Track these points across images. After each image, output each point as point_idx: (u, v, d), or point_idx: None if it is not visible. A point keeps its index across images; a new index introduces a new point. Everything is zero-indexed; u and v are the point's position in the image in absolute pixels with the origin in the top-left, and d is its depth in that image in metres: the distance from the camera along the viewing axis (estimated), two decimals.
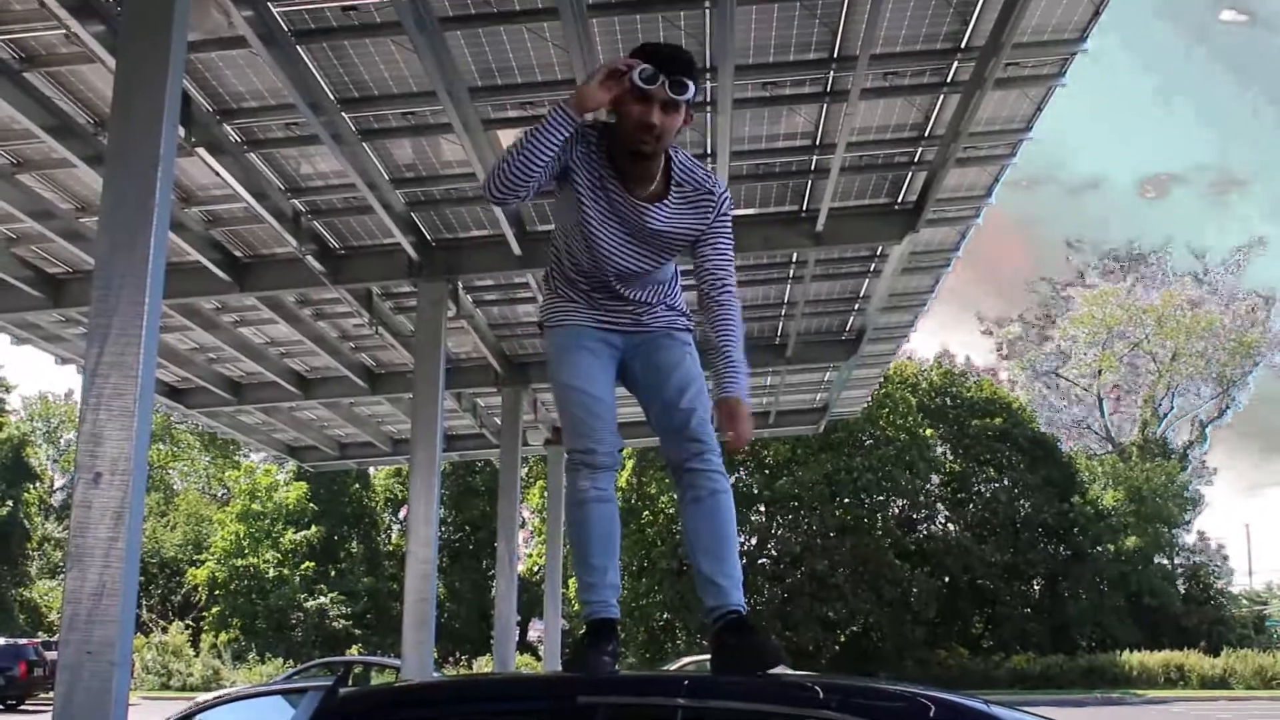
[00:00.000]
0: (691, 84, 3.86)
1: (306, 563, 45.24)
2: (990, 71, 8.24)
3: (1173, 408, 50.10)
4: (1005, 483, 45.72)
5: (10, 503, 48.17)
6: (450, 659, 44.40)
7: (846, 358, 15.60)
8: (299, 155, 9.53)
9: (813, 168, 10.27)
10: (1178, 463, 46.92)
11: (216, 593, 45.09)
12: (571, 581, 40.08)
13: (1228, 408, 50.38)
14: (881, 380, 26.09)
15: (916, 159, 10.25)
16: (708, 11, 7.75)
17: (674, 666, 26.32)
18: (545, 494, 30.24)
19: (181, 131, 7.79)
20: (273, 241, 10.97)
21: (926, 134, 9.76)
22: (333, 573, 46.47)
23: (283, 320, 13.01)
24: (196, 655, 42.94)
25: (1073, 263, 53.97)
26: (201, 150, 8.45)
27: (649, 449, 35.21)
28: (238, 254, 11.31)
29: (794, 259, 12.43)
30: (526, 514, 44.79)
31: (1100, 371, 49.86)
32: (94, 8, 6.72)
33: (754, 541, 43.47)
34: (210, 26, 6.70)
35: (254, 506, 45.74)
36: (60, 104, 8.20)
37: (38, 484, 53.39)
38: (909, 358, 45.63)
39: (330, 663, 26.01)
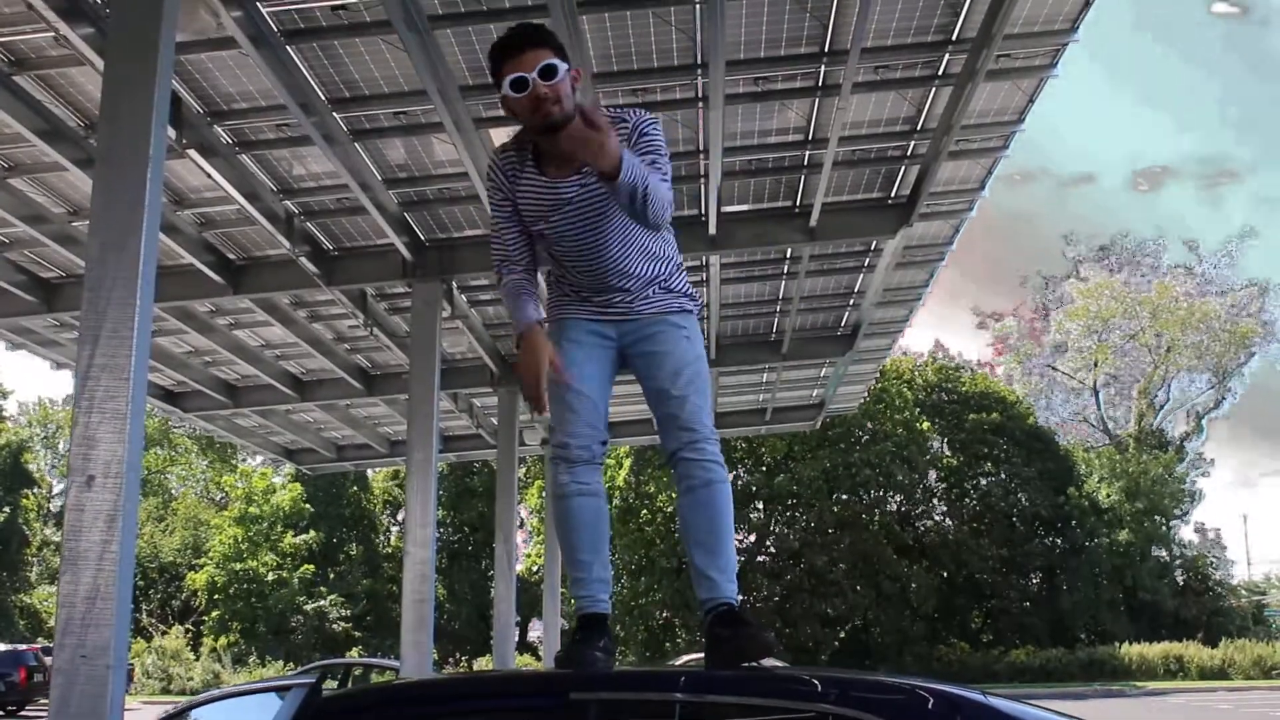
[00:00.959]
0: (553, 59, 3.86)
1: (305, 565, 45.25)
2: (982, 63, 8.23)
3: (1169, 399, 50.17)
4: (1002, 476, 45.75)
5: (8, 508, 48.16)
6: (450, 660, 44.42)
7: (842, 353, 15.59)
8: (291, 156, 9.51)
9: (805, 163, 10.25)
10: (1175, 454, 46.96)
11: (216, 596, 45.09)
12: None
13: (1224, 399, 50.46)
14: (878, 375, 26.09)
15: (909, 153, 10.24)
16: (698, 7, 7.73)
17: (675, 664, 26.32)
18: (543, 494, 30.29)
19: (172, 133, 7.79)
20: (266, 243, 10.95)
21: (919, 127, 9.75)
22: (332, 575, 46.50)
23: (277, 322, 12.99)
24: (196, 659, 42.94)
25: (1068, 255, 54.00)
26: (193, 152, 8.43)
27: (646, 448, 35.24)
28: (231, 256, 11.29)
29: (788, 255, 12.42)
30: (524, 514, 44.85)
31: (1096, 364, 49.86)
32: (82, 10, 6.70)
33: (752, 538, 43.50)
34: (199, 27, 6.69)
35: (251, 510, 45.72)
36: (50, 107, 8.17)
37: (36, 489, 53.38)
38: (904, 352, 45.66)
39: (329, 665, 25.96)
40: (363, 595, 45.81)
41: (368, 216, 10.11)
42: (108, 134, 5.25)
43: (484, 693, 3.74)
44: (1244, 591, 52.06)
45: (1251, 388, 50.38)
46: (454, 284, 11.58)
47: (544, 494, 24.97)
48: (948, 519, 46.18)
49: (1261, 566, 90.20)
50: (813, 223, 10.89)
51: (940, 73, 8.92)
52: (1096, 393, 50.80)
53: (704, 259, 11.74)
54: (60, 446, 58.61)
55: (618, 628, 39.21)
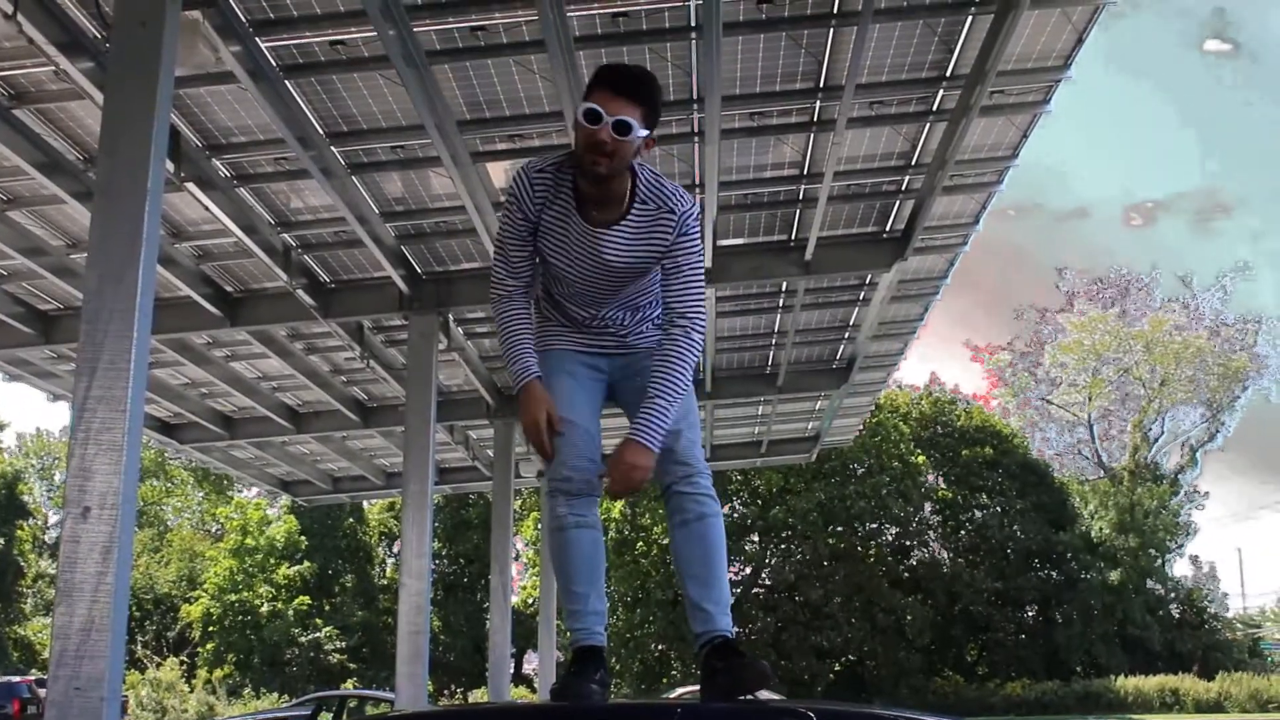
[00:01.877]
0: (634, 120, 3.75)
1: (300, 597, 45.06)
2: (976, 99, 8.28)
3: (1163, 432, 50.13)
4: (997, 509, 45.68)
5: (3, 540, 47.93)
6: (445, 692, 44.20)
7: (837, 386, 15.61)
8: (289, 190, 9.55)
9: (801, 197, 10.30)
10: (1169, 487, 46.89)
11: (211, 628, 44.86)
12: None
13: (1217, 432, 50.40)
14: (873, 408, 26.10)
15: (904, 187, 10.30)
16: (694, 43, 7.79)
17: (671, 697, 26.22)
18: (538, 526, 30.22)
19: (170, 167, 7.83)
20: (263, 276, 10.98)
21: (913, 162, 9.81)
22: (327, 607, 46.28)
23: (274, 354, 13.01)
24: (191, 691, 42.68)
25: (1061, 290, 54.06)
26: (191, 185, 8.46)
27: None
28: (228, 289, 11.31)
29: (783, 288, 12.46)
30: (520, 546, 44.68)
31: (1090, 397, 49.86)
32: (83, 45, 6.74)
33: (748, 570, 43.38)
34: (198, 62, 6.72)
35: (247, 542, 45.56)
36: (50, 140, 8.22)
37: (32, 521, 53.16)
38: (899, 386, 45.65)
39: (324, 697, 25.85)
40: (358, 627, 45.60)
41: (365, 249, 10.14)
42: (107, 167, 5.29)
43: None
44: (1239, 625, 51.89)
45: (1245, 421, 50.35)
46: (450, 317, 11.61)
47: (539, 526, 24.93)
48: (943, 551, 46.07)
49: (1256, 599, 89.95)
50: (808, 256, 10.93)
51: (934, 108, 8.98)
52: (1091, 426, 50.78)
53: None
54: (56, 478, 58.36)
55: (613, 660, 39.08)
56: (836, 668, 41.91)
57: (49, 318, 11.68)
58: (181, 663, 44.63)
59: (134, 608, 44.18)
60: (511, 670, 28.06)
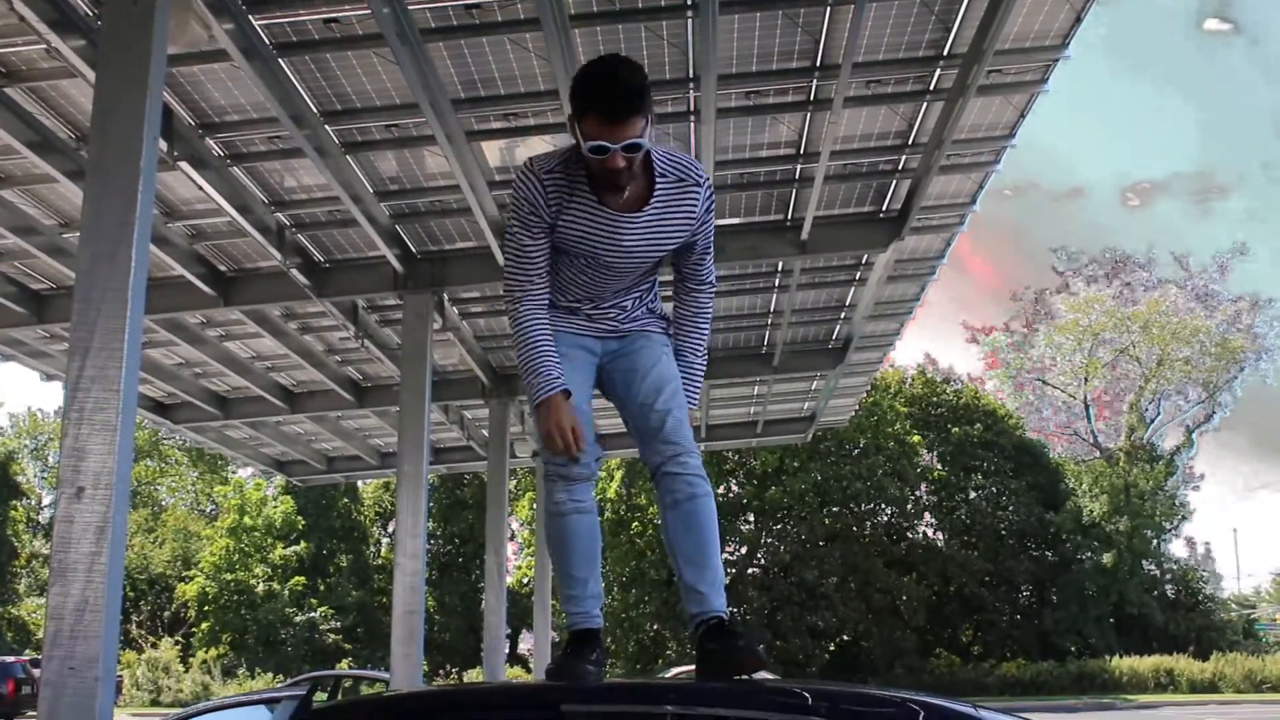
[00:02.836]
0: (641, 136, 3.69)
1: (296, 577, 45.14)
2: (973, 79, 8.25)
3: (1159, 413, 50.18)
4: (992, 490, 45.84)
5: None
6: (440, 672, 44.31)
7: (833, 366, 15.61)
8: (282, 168, 9.51)
9: (797, 176, 10.28)
10: (1164, 468, 46.95)
11: (206, 608, 44.96)
12: None
13: (1214, 413, 50.46)
14: (869, 389, 26.12)
15: (900, 167, 10.27)
16: (690, 21, 7.75)
17: (667, 676, 26.25)
18: (534, 506, 30.27)
19: (163, 145, 7.78)
20: (257, 255, 10.95)
21: (910, 142, 9.78)
22: (322, 587, 46.40)
23: (268, 334, 12.98)
24: (186, 671, 42.78)
25: (1058, 270, 54.05)
26: (184, 164, 8.42)
27: (637, 460, 35.22)
28: (222, 268, 11.28)
29: (779, 268, 12.44)
30: (515, 526, 44.78)
31: (1087, 378, 49.89)
32: (74, 22, 6.70)
33: (743, 550, 43.47)
34: (191, 40, 6.67)
35: (245, 521, 45.61)
36: (41, 119, 8.17)
37: (25, 501, 53.19)
38: (893, 366, 45.72)
39: (319, 676, 25.89)
40: (353, 607, 45.69)
41: (359, 228, 10.11)
42: (99, 146, 5.25)
43: (474, 705, 3.72)
44: (1234, 605, 52.09)
45: (1242, 402, 50.37)
46: (445, 296, 11.58)
47: (534, 506, 24.98)
48: (938, 532, 46.22)
49: (1252, 580, 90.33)
50: (804, 236, 10.90)
51: (932, 88, 8.95)
52: (1087, 406, 50.81)
53: None
54: (50, 458, 58.38)
55: (609, 640, 39.15)
56: (832, 648, 42.08)
57: (42, 297, 11.64)
58: (177, 643, 44.74)
59: (128, 588, 44.25)
60: (507, 650, 28.10)
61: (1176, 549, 47.95)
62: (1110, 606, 43.21)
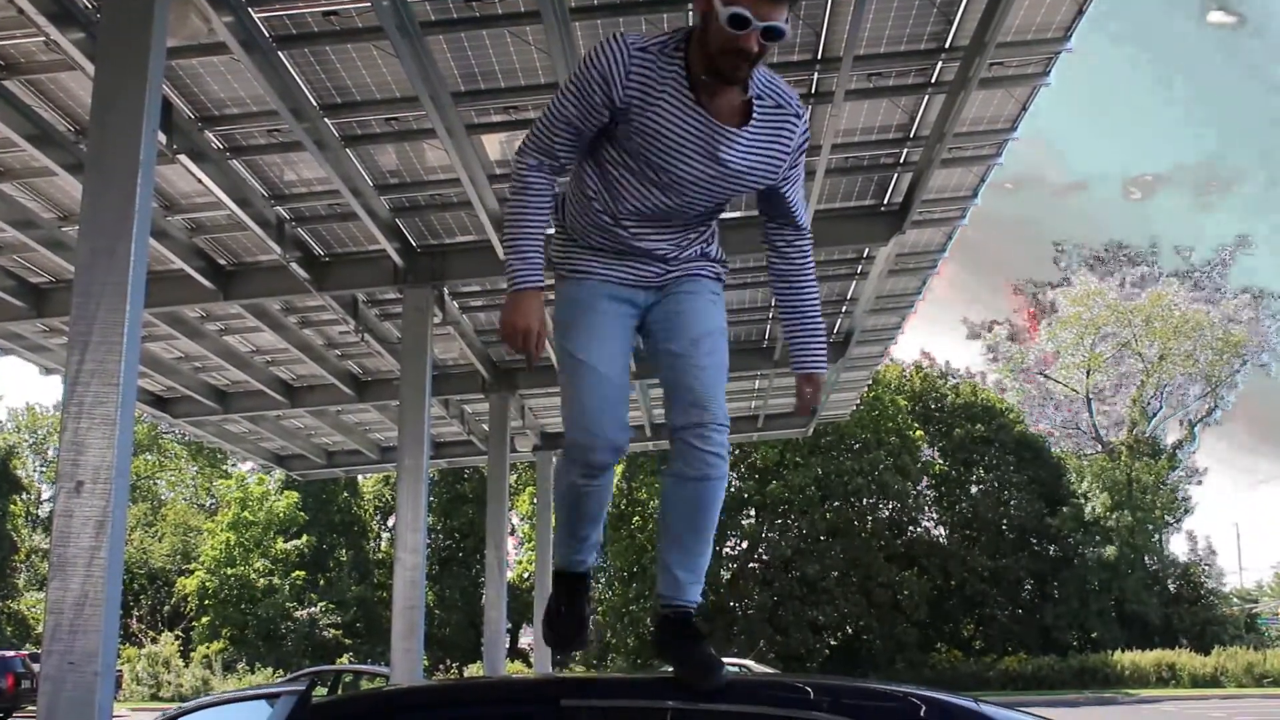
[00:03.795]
0: (785, 23, 3.18)
1: (296, 572, 45.15)
2: (974, 71, 8.23)
3: (1161, 407, 50.13)
4: (994, 485, 45.86)
5: None
6: (440, 667, 44.33)
7: (834, 360, 15.58)
8: (282, 162, 9.49)
9: None
10: (1166, 462, 46.94)
11: (206, 602, 44.94)
12: None
13: (1215, 407, 50.43)
14: (870, 383, 26.11)
15: (902, 160, 10.26)
16: (689, 13, 7.72)
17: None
18: (534, 500, 30.25)
19: (162, 139, 7.77)
20: (257, 249, 10.93)
21: (911, 135, 9.77)
22: (322, 581, 46.41)
23: (268, 328, 12.97)
24: (186, 665, 42.80)
25: (1060, 264, 54.07)
26: (183, 157, 8.41)
27: (639, 453, 35.20)
28: (222, 262, 11.27)
29: None
30: (515, 521, 44.79)
31: (1089, 372, 49.87)
32: (73, 15, 6.68)
33: (744, 545, 43.47)
34: (190, 32, 6.66)
35: (246, 515, 45.62)
36: (40, 112, 8.16)
37: (24, 495, 53.21)
38: (893, 360, 45.71)
39: (319, 671, 25.91)
40: (353, 602, 45.69)
41: (359, 222, 10.10)
42: (98, 139, 5.24)
43: (475, 699, 3.72)
44: (1236, 599, 52.08)
45: (1245, 396, 50.41)
46: (445, 290, 11.57)
47: (535, 501, 24.98)
48: (940, 527, 46.25)
49: (1254, 574, 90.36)
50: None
51: (933, 80, 8.93)
52: (1089, 401, 50.79)
53: None
54: (49, 452, 58.38)
55: (608, 634, 39.19)
56: (833, 643, 42.08)
57: (41, 291, 11.63)
58: (177, 637, 44.76)
59: (128, 582, 44.27)
60: (507, 645, 28.12)
61: (1178, 544, 48.05)
62: (1112, 601, 43.20)
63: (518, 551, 45.31)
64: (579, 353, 3.55)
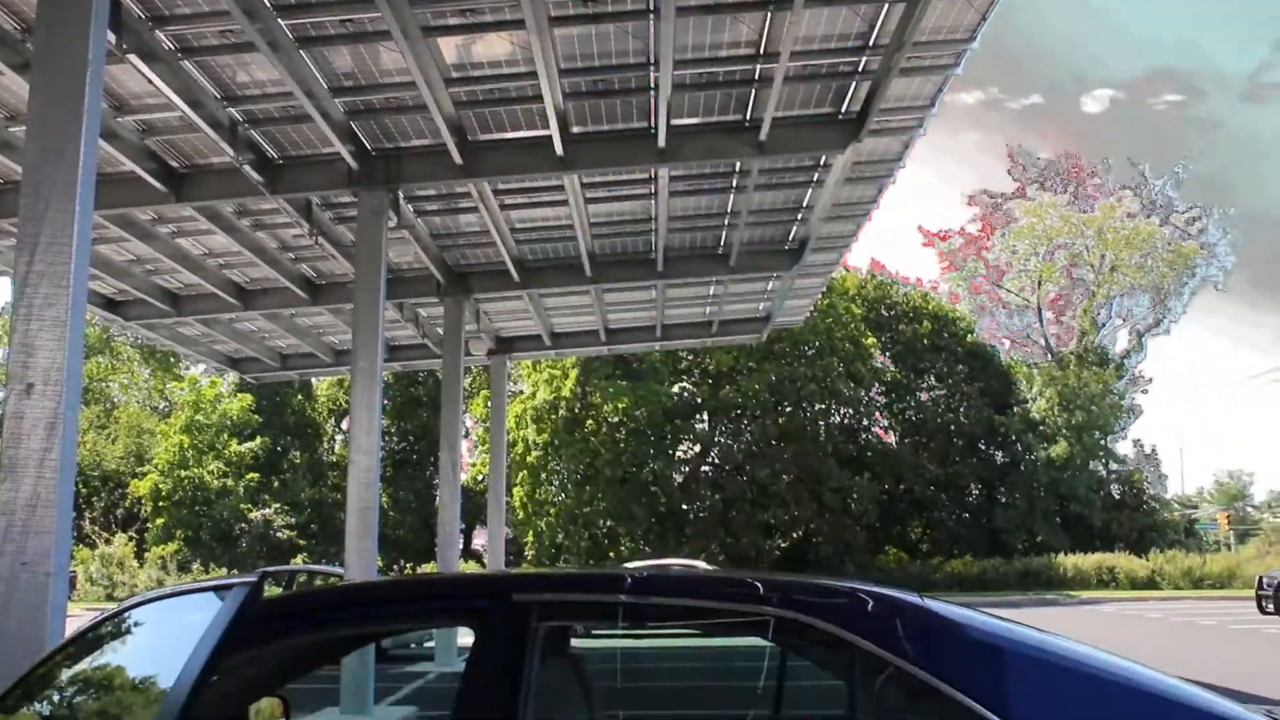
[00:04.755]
0: None
1: (250, 474, 45.14)
2: None
3: (1111, 318, 50.62)
4: (944, 392, 46.30)
5: None
6: (394, 567, 44.59)
7: (789, 267, 15.65)
8: (235, 63, 9.36)
9: (756, 77, 10.21)
10: (1114, 371, 47.50)
11: (160, 504, 44.90)
12: (516, 490, 39.33)
13: (1164, 317, 50.93)
14: (824, 290, 26.21)
15: (860, 69, 10.23)
16: None
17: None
18: (488, 404, 30.30)
19: (112, 38, 7.64)
20: (209, 151, 10.82)
21: (871, 43, 9.74)
22: (276, 484, 46.41)
23: (221, 231, 12.87)
24: (141, 567, 42.86)
25: (1013, 175, 54.13)
26: (133, 57, 8.28)
27: (593, 358, 35.29)
28: (173, 164, 11.14)
29: (737, 168, 12.41)
30: (470, 424, 44.87)
31: (1040, 283, 50.19)
32: None
33: (697, 449, 43.76)
34: None
35: (198, 418, 45.46)
36: None
37: None
38: (847, 269, 45.80)
39: (273, 571, 26.01)
40: (307, 504, 45.79)
41: (313, 125, 10.01)
42: (45, 37, 5.16)
43: (428, 594, 3.75)
44: (1177, 505, 52.99)
45: (1192, 308, 50.87)
46: (400, 193, 11.50)
47: (489, 404, 25.00)
48: (890, 432, 46.70)
49: (1195, 481, 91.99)
50: (762, 137, 10.87)
51: None
52: (1040, 311, 51.17)
53: (652, 171, 11.71)
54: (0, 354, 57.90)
55: (561, 535, 39.49)
56: (783, 545, 42.58)
57: None
58: (130, 539, 44.74)
59: (81, 484, 44.13)
60: (461, 546, 28.28)
61: (1124, 450, 48.68)
62: (1058, 504, 43.93)
63: (471, 454, 45.44)
64: None
